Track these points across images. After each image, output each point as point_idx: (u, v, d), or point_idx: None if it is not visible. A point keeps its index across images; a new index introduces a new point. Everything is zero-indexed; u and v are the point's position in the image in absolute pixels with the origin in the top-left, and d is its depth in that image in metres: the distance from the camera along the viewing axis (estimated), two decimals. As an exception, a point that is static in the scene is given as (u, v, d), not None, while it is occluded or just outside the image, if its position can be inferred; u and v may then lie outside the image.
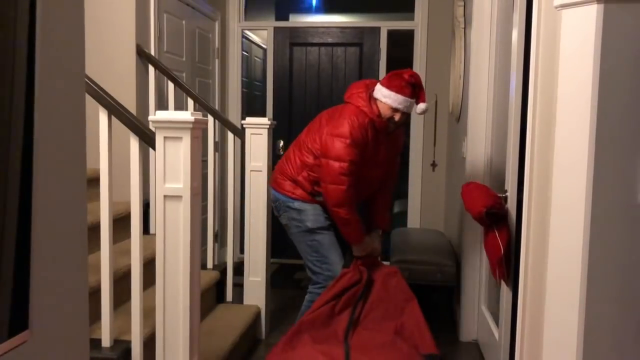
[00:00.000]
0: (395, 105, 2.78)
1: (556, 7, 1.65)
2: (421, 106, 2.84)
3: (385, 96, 2.79)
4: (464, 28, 3.83)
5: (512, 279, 2.58)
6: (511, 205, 2.67)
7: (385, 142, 2.94)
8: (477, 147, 3.44)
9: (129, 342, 2.30)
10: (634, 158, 1.51)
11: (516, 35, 2.67)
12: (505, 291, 2.68)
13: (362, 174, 2.85)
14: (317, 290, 2.98)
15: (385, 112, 2.81)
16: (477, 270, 3.48)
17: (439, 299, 4.16)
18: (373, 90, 2.88)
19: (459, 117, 3.98)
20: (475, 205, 2.57)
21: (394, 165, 3.17)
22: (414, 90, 2.82)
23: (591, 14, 1.52)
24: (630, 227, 1.52)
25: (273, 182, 3.09)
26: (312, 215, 2.94)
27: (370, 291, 2.91)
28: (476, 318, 3.51)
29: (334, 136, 2.76)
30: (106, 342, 2.30)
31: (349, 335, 2.72)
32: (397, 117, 2.82)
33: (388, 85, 2.80)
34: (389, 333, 2.76)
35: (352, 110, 2.82)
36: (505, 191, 2.75)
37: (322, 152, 2.80)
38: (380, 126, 2.84)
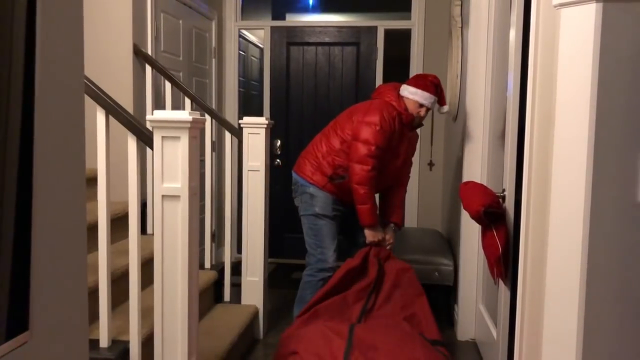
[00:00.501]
0: (421, 100, 3.17)
1: (555, 6, 1.65)
2: (444, 108, 3.34)
3: (412, 93, 3.18)
4: (461, 27, 3.83)
5: (511, 278, 2.58)
6: (509, 204, 2.67)
7: (407, 138, 3.28)
8: (475, 146, 3.45)
9: (127, 343, 2.29)
10: (633, 157, 1.51)
11: (514, 34, 2.67)
12: (504, 290, 2.68)
13: (383, 164, 3.14)
14: (307, 272, 3.26)
15: (412, 107, 3.18)
16: (474, 270, 3.48)
17: (437, 298, 4.16)
18: (399, 90, 3.24)
19: (456, 116, 3.98)
20: (473, 204, 2.60)
21: (409, 164, 3.46)
22: (437, 89, 3.23)
23: (590, 13, 1.52)
24: (630, 226, 1.52)
25: (295, 166, 3.37)
26: (322, 202, 3.21)
27: (383, 283, 3.02)
28: (474, 317, 3.51)
29: (364, 123, 3.07)
30: (104, 342, 2.29)
31: (361, 321, 2.83)
32: (422, 112, 3.20)
33: (415, 84, 3.21)
34: (397, 318, 2.85)
35: (383, 103, 3.17)
36: (503, 190, 2.76)
37: (352, 136, 3.11)
38: (407, 120, 3.19)
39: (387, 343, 2.56)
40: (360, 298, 2.96)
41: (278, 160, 5.16)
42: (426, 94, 3.16)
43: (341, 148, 3.16)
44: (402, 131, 3.18)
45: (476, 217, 2.62)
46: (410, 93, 3.18)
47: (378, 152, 3.03)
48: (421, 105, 3.17)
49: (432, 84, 3.19)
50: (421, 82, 3.20)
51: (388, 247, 3.28)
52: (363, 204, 3.07)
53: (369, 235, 3.15)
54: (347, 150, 3.13)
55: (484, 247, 2.70)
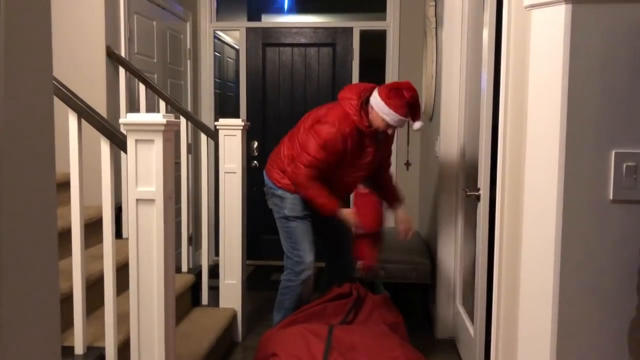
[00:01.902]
0: (391, 122, 2.87)
1: (526, 7, 1.67)
2: (417, 125, 2.93)
3: (383, 111, 2.85)
4: (436, 28, 3.86)
5: (487, 275, 2.61)
6: (484, 202, 2.70)
7: (374, 145, 3.02)
8: (450, 146, 3.48)
9: (102, 349, 2.26)
10: (604, 155, 1.54)
11: (487, 34, 2.70)
12: (480, 288, 2.71)
13: (341, 176, 3.04)
14: (286, 277, 3.18)
15: (379, 123, 2.90)
16: (452, 268, 3.51)
17: (415, 297, 4.19)
18: (367, 97, 2.93)
19: (431, 116, 4.01)
20: (371, 223, 2.86)
21: (384, 160, 3.27)
22: (411, 110, 2.88)
23: (560, 14, 1.54)
24: (602, 223, 1.55)
25: (266, 169, 3.28)
26: (290, 204, 3.13)
27: (363, 304, 3.00)
28: (452, 315, 3.54)
29: (313, 132, 2.94)
30: (79, 349, 2.25)
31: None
32: (389, 131, 2.94)
33: (387, 101, 2.83)
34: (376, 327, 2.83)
35: (339, 115, 2.92)
36: (478, 189, 2.78)
37: (300, 143, 3.01)
38: (368, 133, 2.94)
39: (366, 343, 2.57)
40: (340, 313, 2.93)
41: (255, 162, 5.14)
42: (397, 117, 2.83)
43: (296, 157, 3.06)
44: (362, 142, 2.95)
45: (368, 232, 2.88)
46: (380, 110, 2.85)
47: (316, 162, 2.89)
48: (389, 126, 2.89)
49: (406, 105, 2.83)
50: (395, 101, 2.82)
51: (407, 229, 3.20)
52: (311, 201, 2.99)
53: (348, 222, 3.01)
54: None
55: (361, 253, 2.98)
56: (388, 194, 3.30)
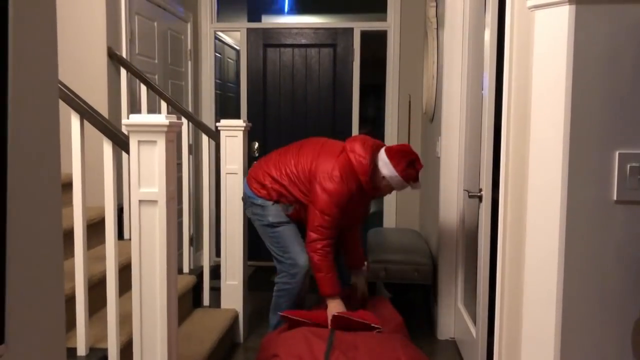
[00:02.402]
0: (397, 187, 2.95)
1: (529, 8, 1.67)
2: (416, 185, 2.97)
3: (392, 178, 2.89)
4: (437, 29, 3.86)
5: (489, 276, 2.61)
6: (486, 203, 2.70)
7: (367, 197, 3.09)
8: (451, 146, 3.48)
9: (105, 350, 2.26)
10: (608, 155, 1.54)
11: (488, 35, 2.70)
12: (483, 289, 2.71)
13: (339, 221, 2.99)
14: (282, 280, 3.14)
15: (383, 188, 2.96)
16: (453, 269, 3.51)
17: (416, 297, 4.19)
18: (377, 156, 2.93)
19: (432, 117, 4.01)
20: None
21: (367, 210, 3.32)
22: (412, 176, 2.91)
23: (563, 15, 1.54)
24: (605, 224, 1.55)
25: (247, 178, 3.25)
26: (273, 211, 3.10)
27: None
28: (453, 316, 3.54)
29: (323, 189, 2.90)
30: (82, 350, 2.25)
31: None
32: (388, 192, 3.04)
33: (396, 166, 2.86)
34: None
35: (347, 169, 2.90)
36: (480, 190, 2.78)
37: (311, 201, 2.94)
38: (369, 192, 2.98)
39: (368, 343, 2.56)
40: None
41: (255, 162, 5.13)
42: (402, 182, 2.89)
43: (288, 185, 3.02)
44: (360, 197, 3.00)
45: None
46: (387, 171, 2.87)
47: (334, 220, 2.89)
48: (392, 189, 2.98)
49: (416, 172, 2.89)
50: (407, 170, 2.86)
51: (362, 297, 3.21)
52: (319, 271, 2.90)
53: (331, 307, 2.88)
54: (292, 188, 3.01)
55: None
56: (354, 253, 3.30)
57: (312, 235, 2.91)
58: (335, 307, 2.87)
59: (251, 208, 3.18)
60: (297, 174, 3.01)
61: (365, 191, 2.95)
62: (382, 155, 2.90)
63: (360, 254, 3.33)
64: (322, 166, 2.94)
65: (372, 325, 2.73)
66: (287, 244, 3.09)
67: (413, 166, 2.88)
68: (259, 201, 3.11)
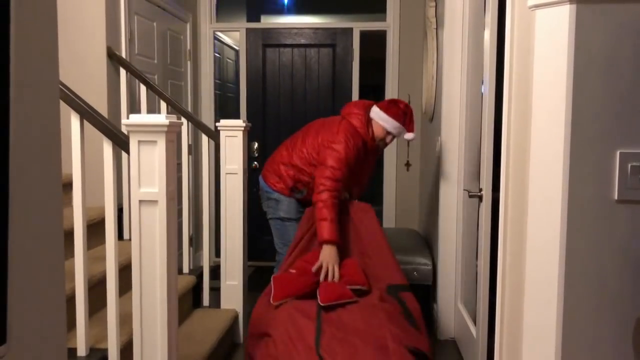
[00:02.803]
0: (390, 129, 3.16)
1: (530, 8, 1.67)
2: (410, 135, 3.21)
3: (383, 119, 3.15)
4: (436, 28, 3.86)
5: (490, 276, 2.61)
6: (486, 203, 2.70)
7: (371, 158, 3.34)
8: (451, 146, 3.48)
9: (105, 350, 2.25)
10: (609, 155, 1.53)
11: (488, 35, 2.70)
12: (483, 289, 2.71)
13: (347, 184, 3.20)
14: (277, 267, 3.35)
15: (379, 132, 3.18)
16: (453, 269, 3.51)
17: (416, 297, 4.18)
18: (369, 112, 3.21)
19: (432, 117, 4.01)
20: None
21: (370, 177, 3.57)
22: (406, 119, 3.18)
23: (564, 14, 1.54)
24: (607, 223, 1.55)
25: (262, 174, 3.45)
26: (286, 206, 3.34)
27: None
28: (453, 316, 3.54)
29: (331, 149, 3.09)
30: (82, 351, 2.25)
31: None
32: (388, 139, 3.22)
33: (386, 110, 3.16)
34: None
35: (349, 129, 3.15)
36: (480, 189, 2.78)
37: (318, 160, 3.13)
38: (371, 147, 3.22)
39: (354, 320, 2.58)
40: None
41: (255, 162, 5.14)
42: (396, 123, 3.13)
43: (302, 166, 3.22)
44: (365, 154, 3.21)
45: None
46: (380, 119, 3.15)
47: (342, 176, 3.05)
48: (388, 133, 3.17)
49: (402, 113, 3.16)
50: (393, 110, 3.16)
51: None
52: (323, 219, 2.94)
53: (325, 254, 2.87)
54: (307, 168, 3.20)
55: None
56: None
57: (320, 187, 3.00)
58: (328, 253, 2.87)
59: (267, 202, 3.39)
60: (309, 152, 3.22)
61: (369, 147, 3.20)
62: (376, 109, 3.19)
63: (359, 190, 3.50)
64: (327, 136, 3.16)
65: (360, 288, 2.77)
66: (290, 239, 3.27)
67: (404, 110, 3.18)
68: (275, 195, 3.33)
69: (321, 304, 2.65)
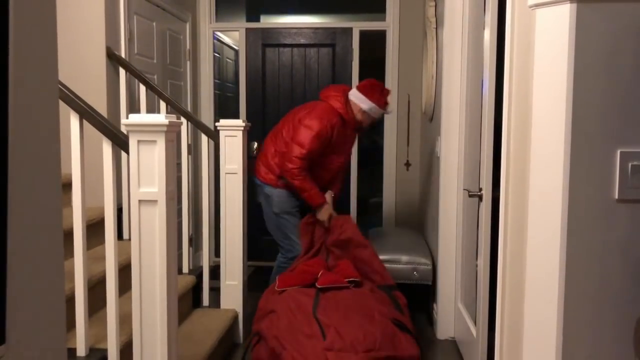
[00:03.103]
0: (371, 112, 3.46)
1: (530, 7, 1.67)
2: (389, 109, 3.62)
3: (362, 102, 3.43)
4: (436, 28, 3.86)
5: (490, 276, 2.60)
6: (486, 203, 2.69)
7: (351, 138, 3.62)
8: (451, 146, 3.47)
9: (105, 350, 2.25)
10: (609, 154, 1.53)
11: (488, 34, 2.69)
12: (483, 289, 2.71)
13: (328, 162, 3.50)
14: (282, 258, 3.63)
15: (359, 115, 3.46)
16: (453, 268, 3.51)
17: (416, 297, 4.18)
18: (348, 94, 3.48)
19: (432, 116, 4.01)
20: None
21: (349, 159, 3.91)
22: (383, 99, 3.49)
23: (564, 13, 1.54)
24: (607, 222, 1.55)
25: (254, 169, 3.62)
26: (276, 201, 3.52)
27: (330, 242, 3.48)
28: (453, 316, 3.54)
29: (303, 125, 3.36)
30: (81, 351, 2.24)
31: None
32: (365, 119, 3.50)
33: (366, 94, 3.43)
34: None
35: (328, 109, 3.41)
36: (480, 189, 2.78)
37: (291, 137, 3.40)
38: (351, 124, 3.47)
39: (346, 299, 2.93)
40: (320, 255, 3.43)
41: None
42: (375, 107, 3.42)
43: (286, 150, 3.41)
44: (345, 133, 3.46)
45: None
46: (360, 101, 3.42)
47: (309, 155, 3.32)
48: (365, 112, 3.44)
49: (383, 97, 3.45)
50: (374, 95, 3.42)
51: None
52: (304, 191, 3.37)
53: (320, 214, 3.45)
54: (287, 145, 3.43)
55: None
56: (334, 184, 3.72)
57: (288, 165, 3.35)
58: (325, 211, 3.45)
59: (261, 196, 3.60)
60: (289, 136, 3.42)
61: (348, 125, 3.46)
62: (355, 92, 3.47)
63: (338, 186, 3.78)
64: (303, 115, 3.42)
65: (353, 280, 3.12)
66: (287, 233, 3.53)
67: (383, 93, 3.47)
68: (266, 189, 3.53)
69: (318, 286, 3.02)
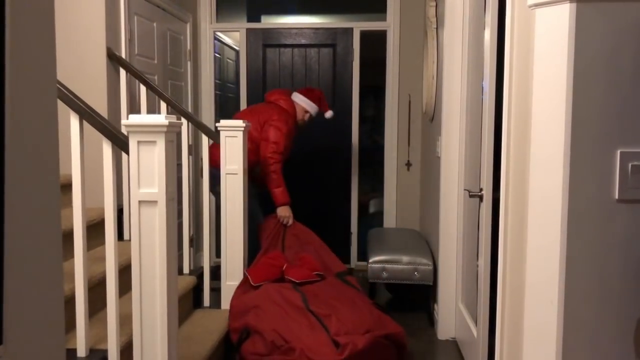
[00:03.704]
0: (311, 110, 4.13)
1: (530, 7, 1.66)
2: (329, 113, 4.25)
3: (303, 101, 4.10)
4: (436, 28, 3.85)
5: (490, 276, 2.60)
6: (487, 203, 2.69)
7: (295, 134, 4.15)
8: (452, 146, 3.47)
9: (105, 351, 2.25)
10: (609, 154, 1.53)
11: (488, 34, 2.69)
12: (483, 289, 2.70)
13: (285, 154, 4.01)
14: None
15: (302, 113, 4.11)
16: (453, 269, 3.51)
17: (417, 297, 4.18)
18: (292, 96, 4.12)
19: (432, 117, 4.01)
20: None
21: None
22: (321, 102, 4.17)
23: (564, 13, 1.53)
24: (607, 223, 1.54)
25: (212, 161, 3.64)
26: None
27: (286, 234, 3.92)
28: (454, 316, 3.53)
29: (274, 127, 3.91)
30: (82, 351, 2.24)
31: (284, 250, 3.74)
32: (307, 117, 4.14)
33: (307, 96, 4.12)
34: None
35: (284, 111, 4.01)
36: (481, 189, 2.78)
37: (263, 137, 3.91)
38: (297, 123, 4.10)
39: (326, 290, 3.21)
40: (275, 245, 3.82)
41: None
42: (313, 104, 4.11)
43: (250, 147, 3.71)
44: (294, 131, 4.08)
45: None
46: (302, 101, 4.09)
47: (282, 149, 3.89)
48: (306, 112, 4.11)
49: (318, 97, 4.14)
50: (310, 94, 4.13)
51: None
52: (278, 187, 3.90)
53: (282, 211, 3.92)
54: (254, 149, 3.86)
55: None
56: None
57: (269, 160, 3.88)
58: (285, 210, 3.93)
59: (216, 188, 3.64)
60: (263, 137, 3.91)
61: (295, 123, 4.07)
62: (298, 96, 4.12)
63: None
64: (265, 117, 3.93)
65: (319, 273, 3.44)
66: (255, 211, 3.92)
67: (319, 95, 4.17)
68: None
69: (296, 281, 3.26)
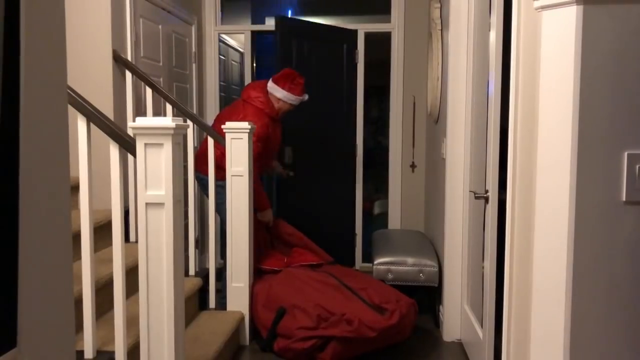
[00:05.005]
0: (286, 100, 3.77)
1: (536, 9, 1.67)
2: (305, 96, 3.87)
3: (277, 91, 3.75)
4: (441, 30, 3.85)
5: (497, 277, 2.60)
6: (492, 205, 2.69)
7: (279, 126, 3.95)
8: (457, 147, 3.47)
9: (112, 353, 2.26)
10: (616, 156, 1.53)
11: (494, 36, 2.69)
12: (489, 291, 2.70)
13: (270, 151, 3.87)
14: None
15: (282, 106, 3.80)
16: (459, 270, 3.50)
17: (422, 299, 4.17)
18: (267, 88, 3.79)
19: (437, 118, 4.01)
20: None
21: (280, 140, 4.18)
22: (298, 88, 3.78)
23: (571, 15, 1.54)
24: (614, 224, 1.54)
25: (199, 168, 3.67)
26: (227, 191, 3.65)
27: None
28: (460, 318, 3.53)
29: None
30: (89, 353, 2.25)
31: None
32: (285, 107, 3.81)
33: (284, 87, 3.75)
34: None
35: (256, 113, 3.70)
36: (487, 191, 2.78)
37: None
38: (277, 117, 3.84)
39: (338, 271, 3.61)
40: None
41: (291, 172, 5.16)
42: (293, 97, 3.76)
43: (223, 151, 3.54)
44: (275, 126, 3.84)
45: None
46: (280, 94, 3.74)
47: (259, 157, 3.65)
48: (291, 105, 3.81)
49: (299, 85, 3.77)
50: (289, 83, 3.75)
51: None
52: (257, 193, 3.64)
53: (264, 215, 3.87)
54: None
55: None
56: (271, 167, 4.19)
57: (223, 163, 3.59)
58: (267, 214, 3.88)
59: (212, 190, 3.58)
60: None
61: (274, 118, 3.79)
62: (271, 85, 3.78)
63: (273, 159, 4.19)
64: (239, 119, 3.60)
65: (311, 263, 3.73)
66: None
67: (295, 81, 3.76)
68: (219, 182, 3.53)
69: (314, 263, 3.68)
